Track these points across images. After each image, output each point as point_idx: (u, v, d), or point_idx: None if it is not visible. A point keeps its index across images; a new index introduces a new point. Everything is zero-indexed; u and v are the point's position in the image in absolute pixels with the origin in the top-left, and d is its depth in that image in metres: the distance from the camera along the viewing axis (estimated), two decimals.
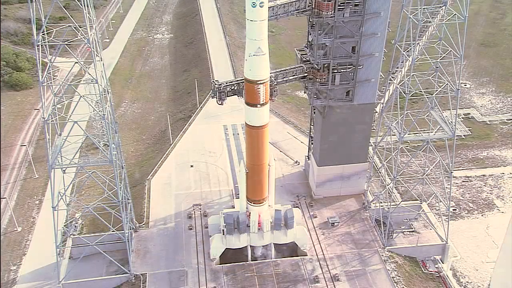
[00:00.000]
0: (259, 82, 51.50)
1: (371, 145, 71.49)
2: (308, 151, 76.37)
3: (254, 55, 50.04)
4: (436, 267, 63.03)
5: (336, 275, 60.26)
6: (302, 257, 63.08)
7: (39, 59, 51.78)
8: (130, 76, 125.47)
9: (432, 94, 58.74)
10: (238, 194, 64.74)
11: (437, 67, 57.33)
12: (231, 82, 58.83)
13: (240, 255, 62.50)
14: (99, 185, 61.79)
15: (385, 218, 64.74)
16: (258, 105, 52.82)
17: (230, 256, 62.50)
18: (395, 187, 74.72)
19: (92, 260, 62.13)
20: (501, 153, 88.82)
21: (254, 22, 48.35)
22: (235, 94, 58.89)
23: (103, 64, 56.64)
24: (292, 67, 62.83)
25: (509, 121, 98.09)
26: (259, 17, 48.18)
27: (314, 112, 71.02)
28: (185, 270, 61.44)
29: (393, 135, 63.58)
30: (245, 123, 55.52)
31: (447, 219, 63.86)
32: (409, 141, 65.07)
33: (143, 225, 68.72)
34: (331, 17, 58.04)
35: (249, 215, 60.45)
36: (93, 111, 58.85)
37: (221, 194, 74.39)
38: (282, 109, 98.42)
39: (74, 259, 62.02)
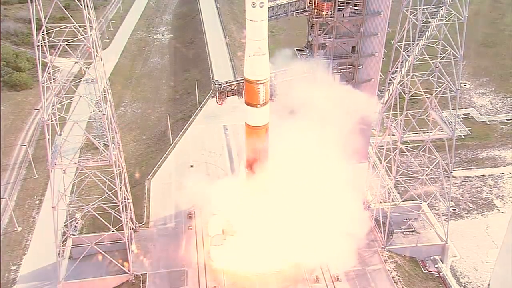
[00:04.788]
0: (259, 82, 51.51)
1: (371, 145, 71.44)
2: None
3: (254, 55, 50.01)
4: (436, 267, 63.09)
5: (336, 275, 60.31)
6: None
7: (39, 59, 51.61)
8: (130, 76, 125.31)
9: (432, 94, 58.74)
10: None
11: (437, 67, 57.33)
12: (231, 82, 58.82)
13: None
14: (99, 185, 61.78)
15: (385, 218, 64.73)
16: (258, 105, 52.83)
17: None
18: (395, 187, 74.65)
19: (92, 260, 62.14)
20: (501, 153, 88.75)
21: (254, 22, 48.32)
22: (235, 94, 58.85)
23: (103, 64, 56.62)
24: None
25: (509, 121, 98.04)
26: (259, 17, 48.14)
27: None
28: (185, 270, 61.46)
29: (392, 135, 63.57)
30: (245, 123, 55.52)
31: (447, 219, 63.89)
32: (408, 141, 65.03)
33: (143, 225, 68.76)
34: (331, 17, 58.06)
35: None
36: (93, 111, 58.83)
37: None
38: None
39: (74, 259, 62.00)
